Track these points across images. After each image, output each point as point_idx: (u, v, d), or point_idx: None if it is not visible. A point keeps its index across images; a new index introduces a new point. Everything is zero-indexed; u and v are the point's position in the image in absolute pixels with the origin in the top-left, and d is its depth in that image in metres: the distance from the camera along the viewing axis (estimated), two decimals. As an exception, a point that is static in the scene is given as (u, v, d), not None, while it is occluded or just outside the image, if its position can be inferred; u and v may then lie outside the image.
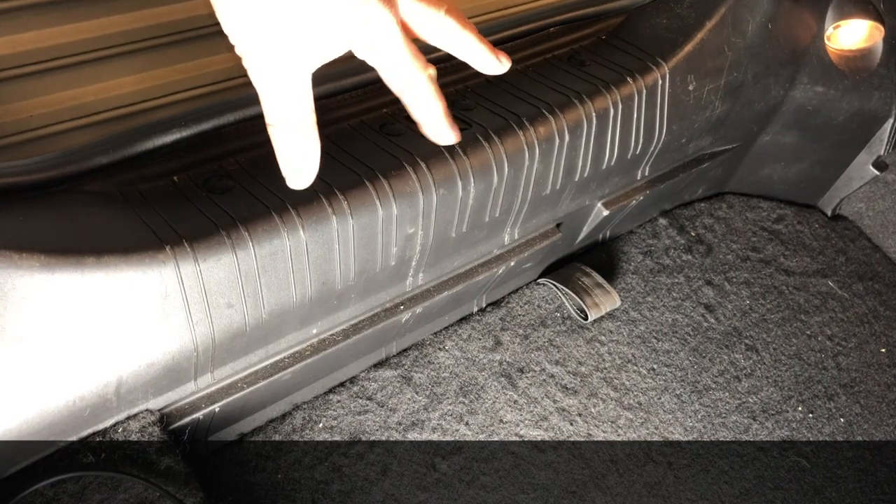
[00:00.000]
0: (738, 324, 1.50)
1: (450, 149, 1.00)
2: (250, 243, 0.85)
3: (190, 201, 0.87)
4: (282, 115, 0.59)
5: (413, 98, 0.62)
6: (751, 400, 1.39)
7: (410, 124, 1.05)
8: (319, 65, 0.59)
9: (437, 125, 0.64)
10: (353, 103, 1.07)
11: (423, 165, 0.98)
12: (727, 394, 1.39)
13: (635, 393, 1.35)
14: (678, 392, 1.37)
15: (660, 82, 1.22)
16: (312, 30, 0.56)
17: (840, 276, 1.64)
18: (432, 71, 0.61)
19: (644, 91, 1.20)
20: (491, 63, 0.65)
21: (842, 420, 1.41)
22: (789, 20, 1.40)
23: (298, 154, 0.61)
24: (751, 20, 1.34)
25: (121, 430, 0.89)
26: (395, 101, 1.10)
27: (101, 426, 0.89)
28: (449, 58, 1.15)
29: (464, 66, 1.17)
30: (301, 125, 0.60)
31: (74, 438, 0.87)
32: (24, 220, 0.78)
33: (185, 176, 0.90)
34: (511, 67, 1.20)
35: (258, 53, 0.57)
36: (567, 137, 1.11)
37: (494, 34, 1.20)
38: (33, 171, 0.83)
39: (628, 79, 1.19)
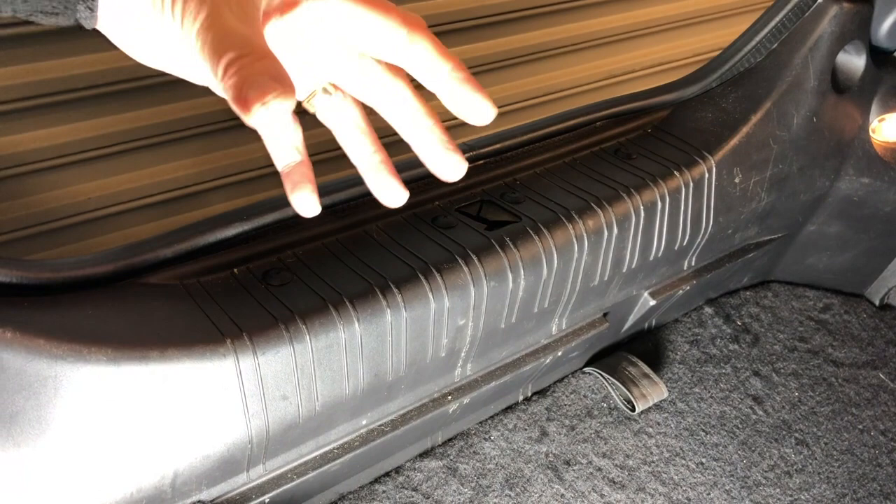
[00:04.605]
0: (788, 416, 1.47)
1: (500, 242, 1.02)
2: (307, 336, 0.86)
3: (249, 294, 0.89)
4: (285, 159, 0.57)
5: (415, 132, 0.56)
6: (803, 497, 1.35)
7: (461, 217, 1.07)
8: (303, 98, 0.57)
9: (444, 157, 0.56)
10: (404, 196, 1.09)
11: (475, 258, 0.99)
12: (778, 490, 1.35)
13: (684, 488, 1.32)
14: (728, 487, 1.34)
15: (706, 175, 1.24)
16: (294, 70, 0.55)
17: (891, 367, 1.61)
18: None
19: (691, 184, 1.21)
20: (478, 105, 0.51)
21: (899, 519, 1.36)
22: (834, 113, 1.41)
23: (306, 189, 0.58)
24: (795, 114, 1.35)
25: (173, 520, 0.89)
26: (446, 195, 1.13)
27: (153, 516, 0.89)
28: (497, 153, 1.19)
29: (512, 159, 1.20)
30: (300, 165, 0.58)
31: (127, 528, 0.87)
32: (91, 312, 0.80)
33: (245, 268, 0.92)
34: (559, 161, 1.24)
35: None
36: (615, 230, 1.12)
37: (541, 129, 1.23)
38: (100, 263, 0.86)
39: (675, 172, 1.20)
